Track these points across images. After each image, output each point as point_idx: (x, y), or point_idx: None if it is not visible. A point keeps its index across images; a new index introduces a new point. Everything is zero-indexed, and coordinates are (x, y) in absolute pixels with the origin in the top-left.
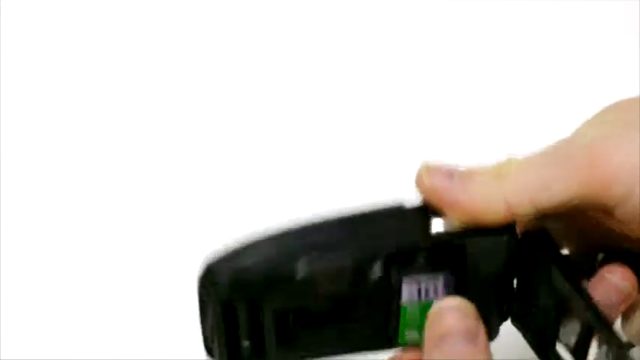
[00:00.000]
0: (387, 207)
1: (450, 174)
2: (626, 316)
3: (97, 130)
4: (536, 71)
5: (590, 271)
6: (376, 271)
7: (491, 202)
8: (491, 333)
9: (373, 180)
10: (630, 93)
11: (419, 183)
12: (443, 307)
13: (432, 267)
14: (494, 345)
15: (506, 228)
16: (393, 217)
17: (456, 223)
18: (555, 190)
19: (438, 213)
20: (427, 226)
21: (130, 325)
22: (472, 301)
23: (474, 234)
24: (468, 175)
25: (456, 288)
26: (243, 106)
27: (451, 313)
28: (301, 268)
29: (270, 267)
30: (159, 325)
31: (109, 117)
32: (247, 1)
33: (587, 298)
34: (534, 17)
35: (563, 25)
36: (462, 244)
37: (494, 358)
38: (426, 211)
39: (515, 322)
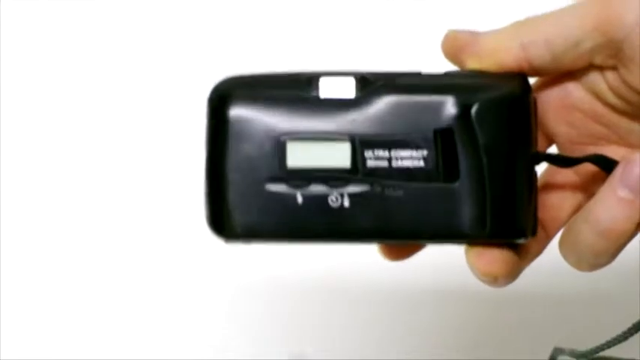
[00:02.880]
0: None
1: (474, 31)
2: None
3: (96, 130)
4: None
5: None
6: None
7: (506, 41)
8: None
9: None
10: None
11: (444, 40)
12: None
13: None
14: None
15: (518, 73)
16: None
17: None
18: (568, 26)
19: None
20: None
21: (129, 325)
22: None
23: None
24: (490, 30)
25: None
26: None
27: None
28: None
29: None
30: (159, 325)
31: (109, 117)
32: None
33: None
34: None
35: None
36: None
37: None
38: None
39: None
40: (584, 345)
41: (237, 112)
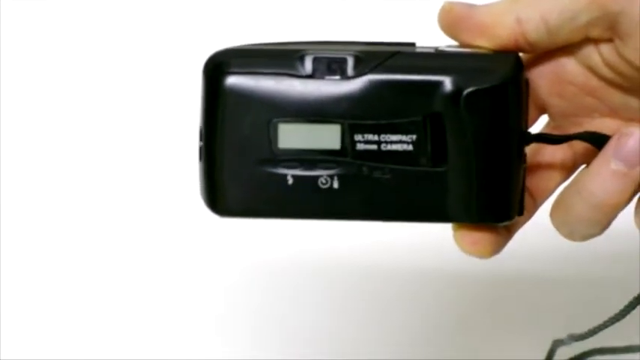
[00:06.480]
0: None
1: (471, 4)
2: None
3: (96, 130)
4: None
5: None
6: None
7: (502, 16)
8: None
9: None
10: None
11: (440, 11)
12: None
13: None
14: None
15: (511, 53)
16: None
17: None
18: (564, 0)
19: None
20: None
21: (129, 325)
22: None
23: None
24: (486, 4)
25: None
26: None
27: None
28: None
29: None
30: (159, 325)
31: (109, 117)
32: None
33: None
34: None
35: None
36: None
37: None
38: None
39: None
40: (582, 328)
41: (233, 83)
